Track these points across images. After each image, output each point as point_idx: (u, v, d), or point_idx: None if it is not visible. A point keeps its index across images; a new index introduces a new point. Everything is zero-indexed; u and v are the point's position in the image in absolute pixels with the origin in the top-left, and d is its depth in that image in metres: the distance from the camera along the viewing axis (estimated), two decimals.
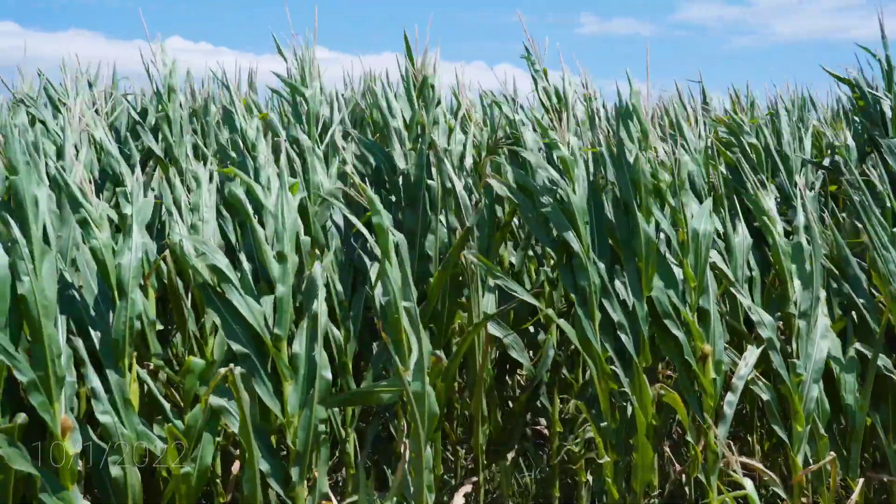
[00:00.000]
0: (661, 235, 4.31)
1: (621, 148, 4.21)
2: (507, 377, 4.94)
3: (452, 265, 4.31)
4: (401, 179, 4.59)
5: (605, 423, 4.07)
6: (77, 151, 4.07)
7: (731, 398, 4.23)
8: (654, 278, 4.16)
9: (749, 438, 5.15)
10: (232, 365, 3.41)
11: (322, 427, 3.61)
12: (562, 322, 4.07)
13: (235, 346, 3.57)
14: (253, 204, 3.88)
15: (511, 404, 4.95)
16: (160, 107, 5.08)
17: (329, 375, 3.63)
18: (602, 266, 4.12)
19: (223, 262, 3.61)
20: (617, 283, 4.17)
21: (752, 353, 4.32)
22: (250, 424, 3.44)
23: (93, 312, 3.54)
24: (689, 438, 4.09)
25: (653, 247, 4.13)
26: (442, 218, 4.53)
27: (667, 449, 4.83)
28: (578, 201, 4.08)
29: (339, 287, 4.24)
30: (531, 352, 4.71)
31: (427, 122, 4.72)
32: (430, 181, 4.54)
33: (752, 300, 4.93)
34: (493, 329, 4.38)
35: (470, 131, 5.21)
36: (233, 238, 4.08)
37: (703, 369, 4.15)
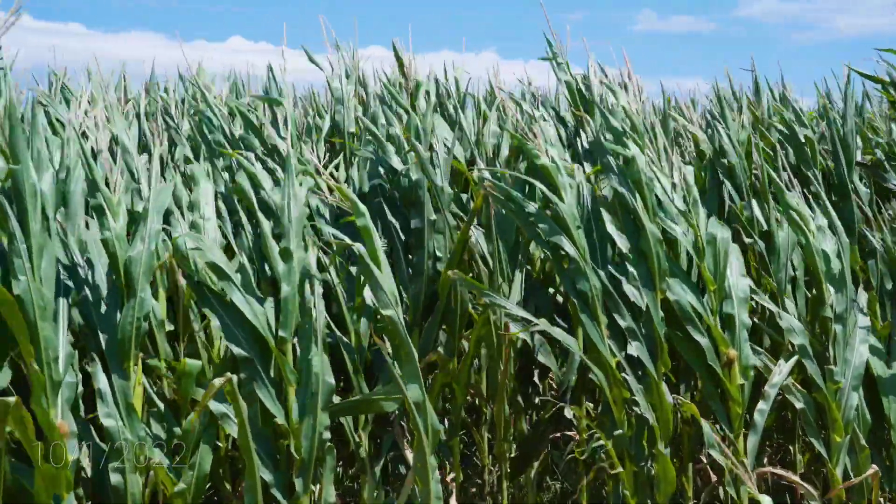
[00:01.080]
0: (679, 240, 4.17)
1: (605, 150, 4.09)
2: (533, 382, 4.80)
3: (455, 263, 4.22)
4: (402, 180, 4.50)
5: (620, 432, 3.91)
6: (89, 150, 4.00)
7: (763, 407, 4.07)
8: (673, 282, 4.01)
9: (791, 448, 4.95)
10: (228, 374, 3.32)
11: (327, 434, 3.51)
12: (557, 331, 3.92)
13: (236, 350, 3.49)
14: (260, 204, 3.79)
15: (535, 412, 4.81)
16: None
17: (331, 380, 3.54)
18: (602, 274, 3.99)
19: (222, 260, 3.52)
20: (629, 287, 4.01)
21: (786, 363, 4.14)
22: (250, 433, 3.36)
23: (103, 309, 3.45)
24: (712, 453, 3.91)
25: (661, 246, 3.99)
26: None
27: (704, 457, 4.66)
28: (567, 207, 3.95)
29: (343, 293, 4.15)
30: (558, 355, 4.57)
31: (427, 124, 4.62)
32: (438, 182, 4.44)
33: (795, 302, 4.76)
34: (518, 328, 4.25)
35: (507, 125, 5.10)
36: (234, 238, 3.98)
37: (729, 375, 3.98)
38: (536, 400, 4.79)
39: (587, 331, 3.89)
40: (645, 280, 4.03)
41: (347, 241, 3.81)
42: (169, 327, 3.93)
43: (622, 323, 3.97)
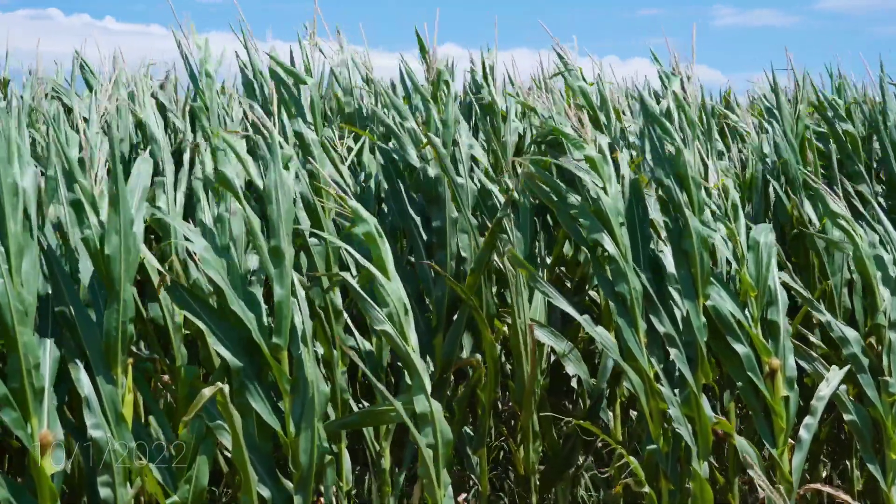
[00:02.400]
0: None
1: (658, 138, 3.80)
2: (563, 390, 4.54)
3: (484, 264, 3.99)
4: (421, 176, 4.28)
5: (655, 447, 3.63)
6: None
7: (810, 421, 3.77)
8: (711, 288, 3.71)
9: (848, 464, 4.60)
10: (219, 383, 3.12)
11: (327, 445, 3.29)
12: (599, 330, 3.65)
13: (227, 357, 3.26)
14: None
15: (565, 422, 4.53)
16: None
17: (326, 389, 3.32)
18: (644, 273, 3.70)
19: (211, 256, 3.30)
20: (669, 290, 3.73)
21: (836, 373, 3.82)
22: (245, 447, 3.16)
23: (88, 313, 3.24)
24: (751, 472, 3.60)
25: (706, 247, 3.69)
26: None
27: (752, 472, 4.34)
28: (611, 202, 3.66)
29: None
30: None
31: (448, 118, 4.37)
32: (458, 178, 4.22)
33: (853, 307, 4.44)
34: (544, 337, 3.99)
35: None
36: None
37: (772, 387, 3.67)
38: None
39: (624, 337, 3.61)
40: (686, 283, 3.74)
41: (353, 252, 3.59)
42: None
43: (661, 329, 3.68)
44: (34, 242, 3.06)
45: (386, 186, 4.42)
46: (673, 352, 3.63)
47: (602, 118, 4.67)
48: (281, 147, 3.52)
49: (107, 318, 3.16)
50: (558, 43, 4.95)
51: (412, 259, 4.30)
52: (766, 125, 5.15)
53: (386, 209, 4.46)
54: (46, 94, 4.91)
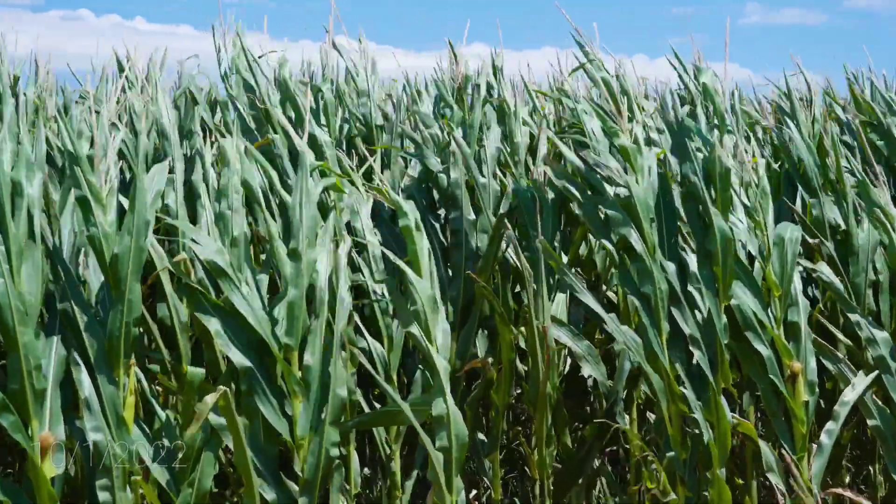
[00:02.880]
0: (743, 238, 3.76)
1: (684, 132, 3.68)
2: (580, 392, 4.43)
3: (493, 258, 3.93)
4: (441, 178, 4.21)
5: (674, 454, 3.53)
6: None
7: (832, 427, 3.67)
8: (735, 285, 3.61)
9: (871, 469, 4.48)
10: (222, 387, 3.04)
11: (335, 451, 3.21)
12: (625, 330, 3.55)
13: (235, 358, 3.19)
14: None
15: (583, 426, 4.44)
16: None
17: (344, 393, 3.23)
18: (672, 268, 3.59)
19: (222, 259, 3.24)
20: (691, 290, 3.62)
21: (862, 379, 3.71)
22: (249, 450, 3.08)
23: (91, 313, 3.17)
24: (771, 477, 3.50)
25: (730, 247, 3.58)
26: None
27: (772, 477, 4.23)
28: (642, 194, 3.56)
29: (381, 294, 3.85)
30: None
31: (474, 119, 4.29)
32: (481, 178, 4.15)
33: (879, 308, 4.31)
34: (563, 336, 3.90)
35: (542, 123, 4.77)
36: (262, 228, 3.68)
37: (793, 391, 3.57)
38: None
39: (647, 338, 3.51)
40: (709, 284, 3.63)
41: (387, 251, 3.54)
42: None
43: (685, 329, 3.58)
44: (36, 243, 3.01)
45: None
46: (697, 353, 3.53)
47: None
48: None
49: (111, 318, 3.09)
50: (580, 32, 4.83)
51: None
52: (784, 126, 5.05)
53: None
54: (52, 91, 4.82)
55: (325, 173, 3.86)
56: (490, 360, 4.03)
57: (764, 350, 3.58)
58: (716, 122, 3.98)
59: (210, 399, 3.03)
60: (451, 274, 4.10)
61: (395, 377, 3.87)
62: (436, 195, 4.30)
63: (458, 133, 4.36)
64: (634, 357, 3.54)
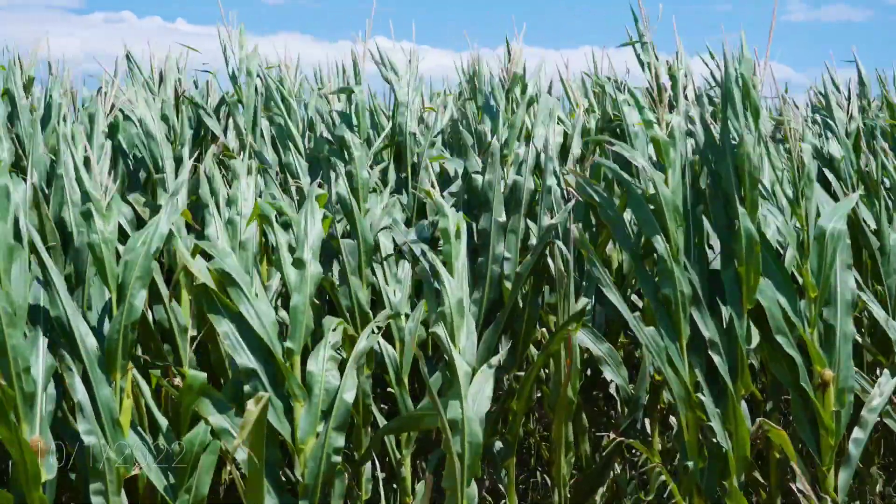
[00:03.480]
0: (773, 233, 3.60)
1: (725, 128, 3.49)
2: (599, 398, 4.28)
3: (535, 264, 3.79)
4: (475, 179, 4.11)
5: (691, 463, 3.37)
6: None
7: (859, 435, 3.48)
8: (766, 286, 3.43)
9: None
10: (262, 393, 2.94)
11: (337, 457, 3.08)
12: (649, 331, 3.39)
13: (240, 361, 3.08)
14: None
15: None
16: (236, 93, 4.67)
17: (351, 399, 3.12)
18: (694, 273, 3.43)
19: (232, 265, 3.14)
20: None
21: (889, 381, 3.53)
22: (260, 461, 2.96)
23: (91, 317, 3.14)
24: (797, 486, 3.33)
25: (755, 248, 3.40)
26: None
27: (799, 486, 4.05)
28: (669, 193, 3.39)
29: (395, 298, 3.73)
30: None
31: (516, 120, 4.17)
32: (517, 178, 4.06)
33: None
34: (585, 340, 3.75)
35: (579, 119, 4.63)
36: (272, 238, 3.59)
37: (823, 399, 3.39)
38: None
39: (665, 343, 3.36)
40: (732, 286, 3.46)
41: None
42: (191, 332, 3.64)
43: (706, 333, 3.41)
44: (23, 246, 2.94)
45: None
46: (716, 359, 3.36)
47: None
48: None
49: (112, 322, 2.99)
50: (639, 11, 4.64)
51: None
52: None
53: None
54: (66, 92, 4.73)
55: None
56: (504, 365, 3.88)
57: (794, 355, 3.40)
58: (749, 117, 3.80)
59: (253, 407, 2.92)
60: (475, 276, 3.96)
61: (406, 381, 3.74)
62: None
63: (504, 133, 4.26)
64: (655, 361, 3.38)
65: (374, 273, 3.80)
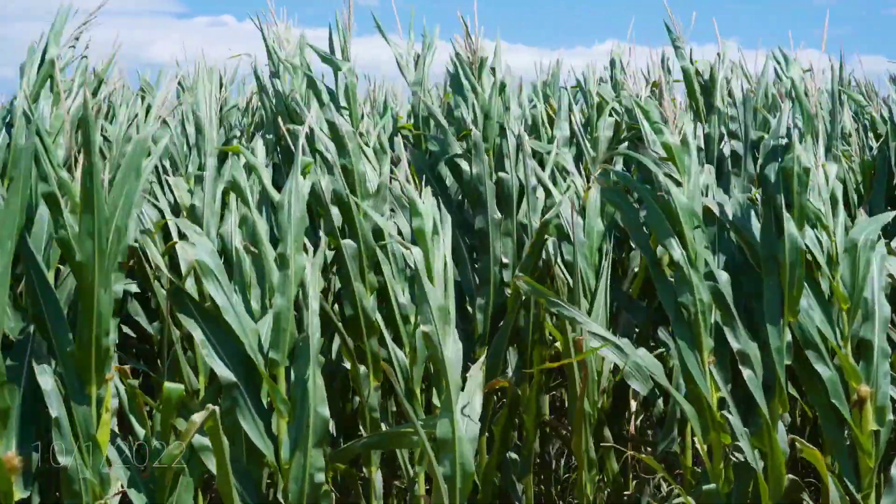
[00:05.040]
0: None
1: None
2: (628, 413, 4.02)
3: (531, 269, 3.57)
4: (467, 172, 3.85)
5: (713, 486, 3.10)
6: None
7: None
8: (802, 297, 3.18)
9: None
10: (210, 405, 2.75)
11: (321, 477, 2.89)
12: (640, 354, 3.15)
13: (220, 371, 2.89)
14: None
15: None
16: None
17: (326, 412, 2.88)
18: (725, 277, 3.17)
19: (213, 262, 2.95)
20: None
21: None
22: (231, 473, 2.78)
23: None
24: None
25: (801, 257, 3.15)
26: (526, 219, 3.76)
27: None
28: (684, 198, 3.15)
29: (403, 299, 3.51)
30: None
31: (491, 109, 3.93)
32: (502, 174, 3.78)
33: None
34: (607, 350, 3.51)
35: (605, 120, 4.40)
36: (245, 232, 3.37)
37: (859, 419, 3.11)
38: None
39: (682, 356, 3.11)
40: (773, 297, 3.21)
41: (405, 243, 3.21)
42: None
43: (735, 345, 3.16)
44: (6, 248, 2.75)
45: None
46: (746, 373, 3.10)
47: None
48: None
49: (79, 329, 2.82)
50: (671, 14, 4.38)
51: None
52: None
53: None
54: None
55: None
56: (513, 377, 3.66)
57: (825, 370, 3.13)
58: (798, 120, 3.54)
59: (198, 418, 2.75)
60: (477, 279, 3.75)
61: (418, 391, 3.53)
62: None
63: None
64: (655, 379, 3.14)
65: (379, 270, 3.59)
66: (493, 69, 4.11)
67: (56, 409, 2.79)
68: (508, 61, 4.23)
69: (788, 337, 3.16)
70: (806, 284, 3.20)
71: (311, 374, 2.87)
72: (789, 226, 3.16)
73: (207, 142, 3.99)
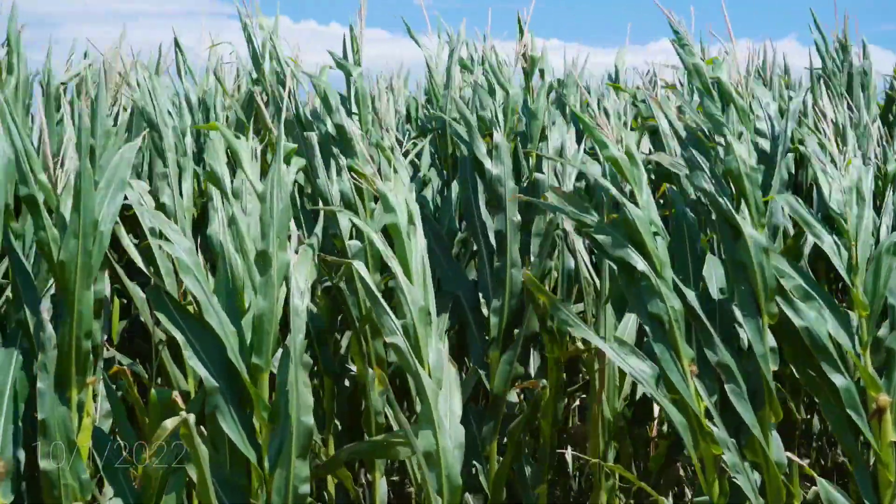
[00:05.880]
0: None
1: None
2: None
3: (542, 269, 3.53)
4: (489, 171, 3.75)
5: (706, 499, 2.95)
6: None
7: None
8: (811, 303, 3.00)
9: None
10: (183, 413, 2.69)
11: (305, 488, 2.79)
12: (631, 363, 2.99)
13: (203, 374, 2.80)
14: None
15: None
16: None
17: (310, 421, 2.76)
18: (692, 294, 3.04)
19: (191, 259, 2.86)
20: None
21: None
22: (211, 482, 2.71)
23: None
24: None
25: (767, 257, 3.01)
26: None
27: None
28: (640, 212, 3.00)
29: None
30: None
31: (538, 108, 3.83)
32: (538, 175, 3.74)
33: None
34: (616, 357, 3.37)
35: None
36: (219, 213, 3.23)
37: (878, 431, 2.92)
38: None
39: (662, 366, 2.96)
40: (746, 302, 3.06)
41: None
42: None
43: (712, 358, 3.02)
44: None
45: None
46: (728, 386, 2.95)
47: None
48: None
49: (60, 331, 2.78)
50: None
51: None
52: None
53: None
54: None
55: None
56: (543, 382, 3.54)
57: (840, 380, 2.95)
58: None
59: (169, 424, 2.69)
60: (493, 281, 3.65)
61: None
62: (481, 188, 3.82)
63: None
64: (645, 388, 2.98)
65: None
66: (541, 71, 3.99)
67: (44, 411, 2.75)
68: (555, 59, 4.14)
69: (772, 342, 3.03)
70: (813, 290, 3.03)
71: (294, 380, 2.77)
72: (747, 228, 3.05)
73: (167, 136, 3.88)
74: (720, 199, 3.10)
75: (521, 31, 4.16)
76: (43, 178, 2.82)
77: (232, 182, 3.11)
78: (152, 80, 3.74)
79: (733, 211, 3.07)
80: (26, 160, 2.79)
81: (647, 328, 2.97)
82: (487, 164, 3.71)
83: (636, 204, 3.03)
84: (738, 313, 3.05)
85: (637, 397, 3.73)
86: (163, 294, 2.88)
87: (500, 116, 3.91)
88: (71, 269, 2.74)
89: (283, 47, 4.10)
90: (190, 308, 3.02)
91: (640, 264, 2.97)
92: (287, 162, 3.04)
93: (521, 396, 3.76)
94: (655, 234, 3.01)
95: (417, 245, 2.94)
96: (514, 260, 3.61)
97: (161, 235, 3.11)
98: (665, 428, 3.76)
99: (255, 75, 4.22)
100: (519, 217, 3.67)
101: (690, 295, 3.06)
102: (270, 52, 4.05)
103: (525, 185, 3.84)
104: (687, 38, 3.85)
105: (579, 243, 3.70)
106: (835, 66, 4.90)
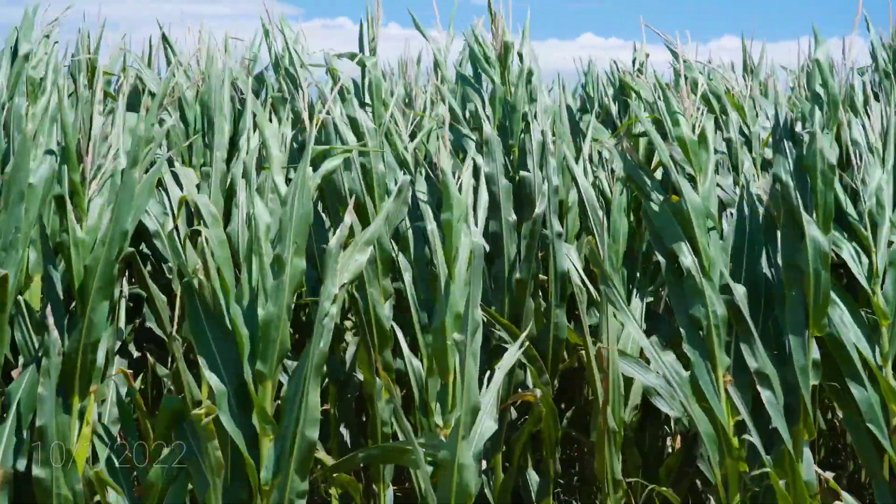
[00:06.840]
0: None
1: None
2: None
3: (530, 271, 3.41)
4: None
5: None
6: None
7: None
8: (833, 312, 2.91)
9: None
10: (208, 402, 2.62)
11: (301, 503, 2.68)
12: (631, 370, 2.91)
13: (210, 377, 2.71)
14: None
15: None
16: None
17: (314, 435, 2.67)
18: (742, 291, 2.93)
19: (223, 255, 2.77)
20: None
21: None
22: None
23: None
24: None
25: (826, 264, 2.88)
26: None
27: None
28: (696, 198, 2.90)
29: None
30: None
31: (516, 101, 3.71)
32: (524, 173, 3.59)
33: None
34: (627, 366, 3.29)
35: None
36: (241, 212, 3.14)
37: None
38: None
39: (694, 373, 2.88)
40: (795, 310, 2.95)
41: None
42: None
43: (752, 364, 2.92)
44: None
45: None
46: (765, 394, 2.85)
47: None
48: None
49: (69, 338, 2.71)
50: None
51: None
52: None
53: None
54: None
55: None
56: (539, 392, 3.45)
57: (860, 392, 2.87)
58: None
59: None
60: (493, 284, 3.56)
61: (434, 404, 3.34)
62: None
63: None
64: (678, 395, 2.90)
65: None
66: (520, 55, 3.86)
67: (45, 416, 2.68)
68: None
69: (815, 354, 2.91)
70: (839, 298, 2.94)
71: (305, 391, 2.68)
72: (811, 229, 2.92)
73: (218, 132, 3.83)
74: (793, 193, 2.98)
75: (493, 17, 4.06)
76: (75, 178, 2.76)
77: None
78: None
79: (802, 208, 2.95)
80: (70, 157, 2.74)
81: (682, 330, 2.89)
82: (479, 160, 3.62)
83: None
84: (785, 320, 2.94)
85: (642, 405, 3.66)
86: (195, 291, 2.76)
87: (489, 109, 3.81)
88: (92, 275, 2.70)
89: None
90: None
91: (687, 259, 2.88)
92: (314, 165, 2.96)
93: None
94: (711, 228, 2.92)
95: (466, 242, 2.92)
96: (512, 261, 3.52)
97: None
98: (676, 442, 3.67)
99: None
100: (514, 217, 3.57)
101: (739, 293, 2.95)
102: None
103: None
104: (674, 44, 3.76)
105: (572, 250, 3.61)
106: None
